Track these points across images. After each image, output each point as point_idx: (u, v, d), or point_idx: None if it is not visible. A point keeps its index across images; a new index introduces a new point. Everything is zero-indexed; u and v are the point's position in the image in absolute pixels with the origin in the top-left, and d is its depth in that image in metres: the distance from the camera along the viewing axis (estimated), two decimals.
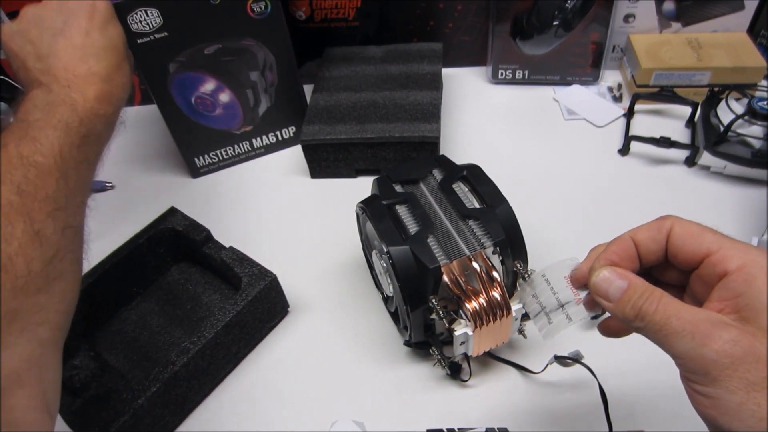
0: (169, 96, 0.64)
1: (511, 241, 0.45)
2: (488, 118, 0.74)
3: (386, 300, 0.54)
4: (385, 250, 0.44)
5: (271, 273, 0.51)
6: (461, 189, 0.49)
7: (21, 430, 0.30)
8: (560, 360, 0.45)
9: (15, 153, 0.37)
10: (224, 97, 0.66)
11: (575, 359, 0.45)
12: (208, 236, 0.55)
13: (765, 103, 0.59)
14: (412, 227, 0.46)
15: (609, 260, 0.32)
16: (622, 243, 0.32)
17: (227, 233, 0.59)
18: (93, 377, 0.44)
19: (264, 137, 0.71)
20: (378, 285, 0.55)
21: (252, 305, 0.50)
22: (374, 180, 0.51)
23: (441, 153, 0.60)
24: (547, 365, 0.47)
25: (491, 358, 0.50)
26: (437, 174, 0.51)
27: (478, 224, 0.46)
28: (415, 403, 0.48)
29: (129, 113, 0.82)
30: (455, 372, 0.49)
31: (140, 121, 0.81)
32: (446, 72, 0.78)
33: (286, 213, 0.66)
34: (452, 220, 0.47)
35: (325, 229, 0.63)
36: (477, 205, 0.47)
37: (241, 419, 0.49)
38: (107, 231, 0.57)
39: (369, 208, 0.48)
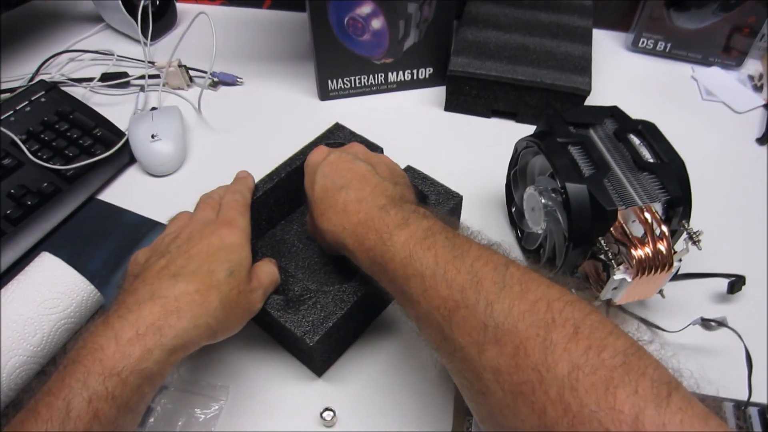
0: (324, 9, 0.64)
1: (682, 199, 0.46)
2: (622, 85, 0.74)
3: (524, 237, 0.55)
4: (561, 186, 0.45)
5: (457, 194, 0.52)
6: (637, 142, 0.49)
7: None
8: (705, 323, 0.47)
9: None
10: (376, 23, 0.66)
11: (722, 323, 0.46)
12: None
13: None
14: (587, 169, 0.47)
15: None
16: None
17: None
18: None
19: (401, 72, 0.72)
20: (517, 222, 0.56)
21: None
22: (545, 115, 0.51)
23: None
24: (688, 325, 0.48)
25: (624, 312, 0.51)
26: (610, 124, 0.51)
27: (653, 178, 0.46)
28: None
29: (261, 15, 0.84)
30: None
31: (273, 26, 0.82)
32: None
33: (416, 143, 0.66)
34: (625, 169, 0.47)
35: (453, 164, 0.63)
36: (653, 160, 0.48)
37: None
38: (232, 126, 0.58)
39: (543, 142, 0.48)
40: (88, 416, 0.32)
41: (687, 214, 0.46)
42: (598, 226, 0.45)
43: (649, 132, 0.49)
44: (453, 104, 0.69)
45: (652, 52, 0.77)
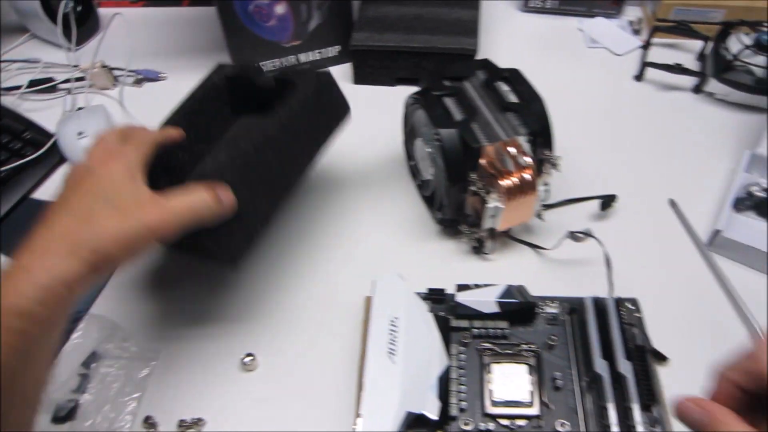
0: (229, 2, 0.69)
1: (542, 132, 0.53)
2: (516, 43, 0.81)
3: (422, 186, 0.62)
4: (435, 132, 0.52)
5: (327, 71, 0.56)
6: (503, 87, 0.56)
7: None
8: (573, 235, 0.54)
9: None
10: (280, 8, 0.72)
11: (586, 233, 0.53)
12: (259, 69, 0.57)
13: None
14: (458, 115, 0.54)
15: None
16: (719, 387, 0.34)
17: None
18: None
19: (310, 53, 0.77)
20: (415, 174, 0.63)
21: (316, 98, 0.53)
22: (426, 76, 0.58)
23: None
24: (560, 241, 0.55)
25: (510, 239, 0.58)
26: (481, 75, 0.58)
27: (515, 116, 0.53)
28: (443, 270, 0.56)
29: (179, 13, 0.89)
30: (479, 246, 0.57)
31: (192, 22, 0.87)
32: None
33: None
34: (493, 111, 0.54)
35: (364, 131, 0.69)
36: (516, 101, 0.55)
37: None
38: (157, 118, 0.64)
39: (422, 97, 0.55)
40: None
41: (548, 144, 0.53)
42: (469, 162, 0.52)
43: (514, 78, 0.56)
44: (360, 77, 0.76)
45: (543, 10, 0.85)
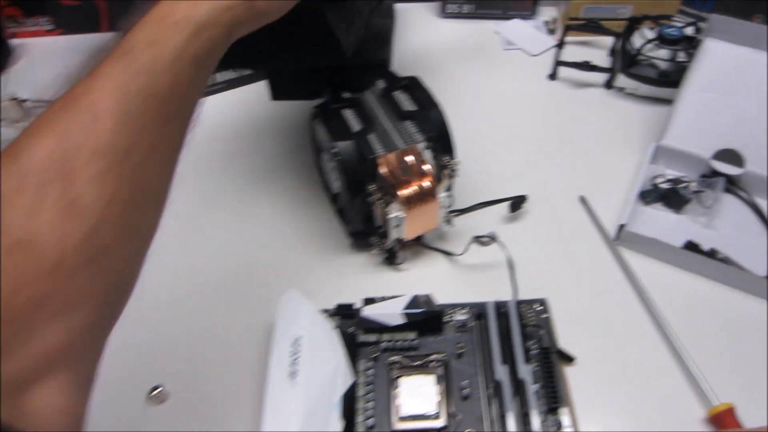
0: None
1: (441, 138, 0.53)
2: (437, 49, 0.81)
3: (334, 199, 0.61)
4: (333, 145, 0.52)
5: None
6: (402, 96, 0.56)
7: (42, 419, 0.26)
8: (478, 239, 0.54)
9: (68, 93, 0.29)
10: None
11: (490, 237, 0.53)
12: None
13: (672, 30, 0.67)
14: (356, 127, 0.53)
15: None
16: None
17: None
18: None
19: (225, 72, 0.76)
20: (327, 187, 0.62)
21: None
22: (326, 89, 0.58)
23: None
24: (467, 246, 0.55)
25: (421, 245, 0.58)
26: (381, 84, 0.58)
27: (413, 123, 0.53)
28: (353, 284, 0.56)
29: (96, 40, 0.88)
30: (390, 257, 0.57)
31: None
32: (399, 7, 0.84)
33: (246, 134, 0.72)
34: (391, 120, 0.54)
35: (279, 146, 0.69)
36: (415, 109, 0.54)
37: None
38: None
39: (320, 111, 0.55)
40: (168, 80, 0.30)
41: (448, 150, 0.53)
42: (368, 174, 0.51)
43: (413, 86, 0.56)
44: (278, 93, 0.75)
45: (460, 15, 0.85)
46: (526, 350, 0.48)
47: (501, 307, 0.50)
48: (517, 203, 0.59)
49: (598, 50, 0.78)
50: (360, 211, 0.54)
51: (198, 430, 0.47)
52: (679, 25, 0.69)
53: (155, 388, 0.48)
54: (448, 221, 0.57)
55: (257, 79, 0.78)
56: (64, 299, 0.27)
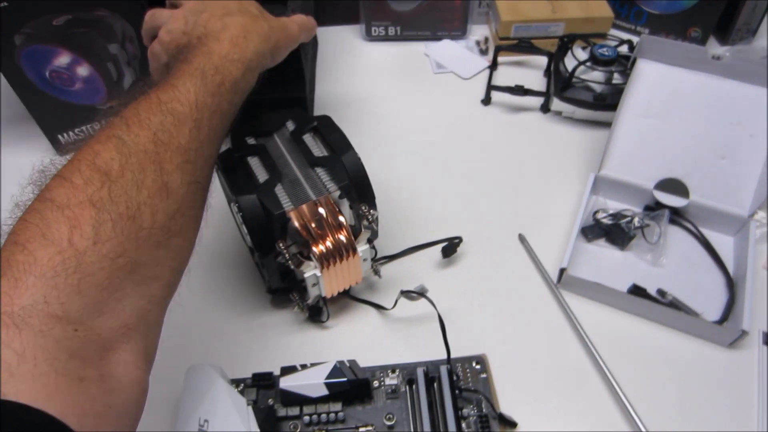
0: (18, 69, 0.60)
1: (356, 186, 0.47)
2: (363, 76, 0.76)
3: (252, 251, 0.55)
4: (235, 200, 0.45)
5: None
6: (312, 139, 0.50)
7: (121, 385, 0.29)
8: (406, 294, 0.48)
9: (155, 99, 0.36)
10: (82, 70, 0.64)
11: (419, 293, 0.48)
12: None
13: (605, 50, 0.63)
14: (262, 177, 0.47)
15: None
16: None
17: None
18: None
19: None
20: (243, 238, 0.56)
21: None
22: (229, 134, 0.51)
23: (317, 112, 0.61)
24: (396, 300, 0.50)
25: (349, 298, 0.52)
26: (290, 126, 0.52)
27: (324, 170, 0.47)
28: (274, 347, 0.50)
29: None
30: (314, 314, 0.51)
31: None
32: (322, 30, 0.79)
33: None
34: (301, 168, 0.48)
35: None
36: (326, 154, 0.49)
37: None
38: None
39: (222, 160, 0.49)
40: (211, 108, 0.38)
41: (364, 197, 0.48)
42: (274, 230, 0.45)
43: (324, 126, 0.50)
44: None
45: (387, 38, 0.80)
46: (464, 417, 0.43)
47: (432, 371, 0.45)
48: (451, 246, 0.54)
49: (533, 70, 0.74)
50: (275, 268, 0.48)
51: None
52: (613, 44, 0.65)
53: None
54: (376, 272, 0.51)
55: None
56: (150, 270, 0.32)
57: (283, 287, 0.50)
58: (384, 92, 0.73)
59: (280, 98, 0.63)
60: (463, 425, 0.43)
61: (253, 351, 0.50)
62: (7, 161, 0.67)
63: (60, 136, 0.67)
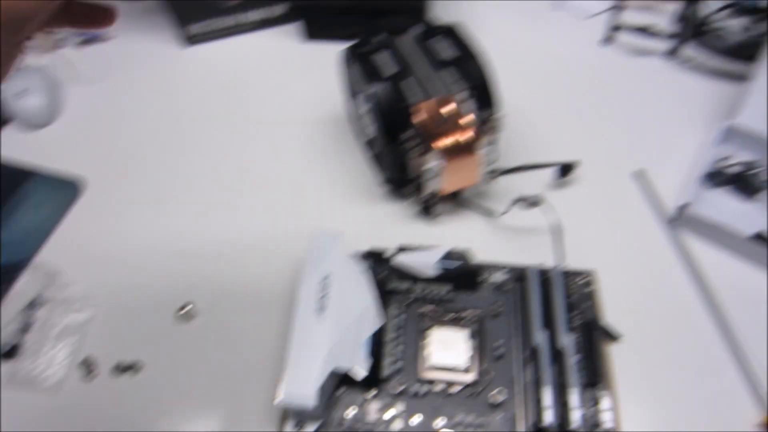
0: None
1: (483, 89, 0.48)
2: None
3: (368, 145, 0.57)
4: (367, 88, 0.47)
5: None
6: (440, 44, 0.51)
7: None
8: (521, 201, 0.49)
9: None
10: None
11: (536, 199, 0.48)
12: None
13: None
14: (392, 70, 0.49)
15: None
16: None
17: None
18: None
19: (254, 11, 0.72)
20: (360, 133, 0.58)
21: None
22: (361, 31, 0.53)
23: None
24: (509, 207, 0.50)
25: (460, 203, 0.53)
26: (417, 29, 0.53)
27: (452, 72, 0.48)
28: (385, 232, 0.52)
29: None
30: (426, 208, 0.52)
31: None
32: None
33: (279, 76, 0.68)
34: (429, 66, 0.49)
35: (316, 90, 0.65)
36: (454, 57, 0.50)
37: None
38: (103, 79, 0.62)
39: (353, 52, 0.50)
40: None
41: (490, 102, 0.48)
42: (401, 121, 0.47)
43: (451, 33, 0.51)
44: (312, 33, 0.71)
45: None
46: (569, 320, 0.44)
47: (544, 274, 0.46)
48: (566, 169, 0.54)
49: (662, 16, 0.71)
50: (395, 159, 0.49)
51: (224, 352, 0.46)
52: None
53: (185, 306, 0.47)
54: (490, 179, 0.52)
55: (291, 19, 0.74)
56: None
57: (397, 179, 0.52)
58: (498, 19, 0.73)
59: (403, 7, 0.65)
60: None
61: (366, 232, 0.52)
62: (139, 47, 0.72)
63: (189, 27, 0.71)
